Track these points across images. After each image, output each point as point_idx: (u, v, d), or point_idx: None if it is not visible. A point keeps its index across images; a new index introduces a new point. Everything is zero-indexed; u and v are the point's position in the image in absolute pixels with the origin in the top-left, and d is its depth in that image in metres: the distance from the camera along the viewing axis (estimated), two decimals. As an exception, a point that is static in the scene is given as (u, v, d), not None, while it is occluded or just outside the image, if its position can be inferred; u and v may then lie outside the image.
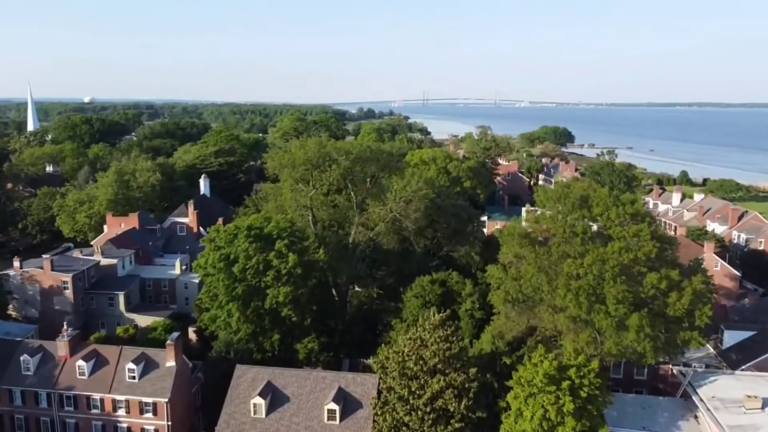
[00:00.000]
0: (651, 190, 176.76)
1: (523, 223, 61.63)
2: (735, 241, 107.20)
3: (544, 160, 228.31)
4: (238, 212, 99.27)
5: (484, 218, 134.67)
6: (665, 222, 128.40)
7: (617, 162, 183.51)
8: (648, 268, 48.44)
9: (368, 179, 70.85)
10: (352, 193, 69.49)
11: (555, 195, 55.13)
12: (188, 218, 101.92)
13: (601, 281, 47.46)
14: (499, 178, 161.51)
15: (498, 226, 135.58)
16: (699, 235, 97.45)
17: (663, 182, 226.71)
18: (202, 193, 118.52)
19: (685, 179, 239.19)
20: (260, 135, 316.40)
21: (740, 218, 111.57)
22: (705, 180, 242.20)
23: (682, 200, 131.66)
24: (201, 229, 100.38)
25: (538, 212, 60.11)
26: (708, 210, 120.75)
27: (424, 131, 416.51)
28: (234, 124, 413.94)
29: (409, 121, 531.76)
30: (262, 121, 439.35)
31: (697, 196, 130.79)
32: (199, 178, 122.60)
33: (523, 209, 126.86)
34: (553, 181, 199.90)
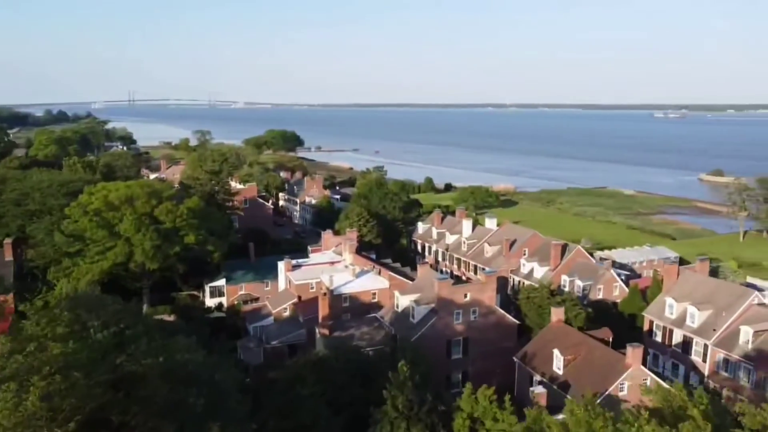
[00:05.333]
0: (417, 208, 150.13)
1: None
2: (566, 289, 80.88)
3: (282, 174, 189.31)
4: None
5: (221, 282, 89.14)
6: (463, 261, 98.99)
7: (389, 179, 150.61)
8: None
9: None
10: None
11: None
12: None
13: None
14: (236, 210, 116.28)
15: (243, 291, 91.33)
16: (558, 301, 66.32)
17: (409, 190, 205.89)
18: None
19: (430, 186, 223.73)
20: None
21: (562, 254, 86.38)
22: (448, 185, 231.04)
23: (474, 228, 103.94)
24: None
25: None
26: (513, 242, 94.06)
27: (128, 139, 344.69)
28: None
29: (110, 125, 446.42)
30: None
31: (489, 222, 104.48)
32: None
33: (281, 264, 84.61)
34: (298, 201, 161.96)
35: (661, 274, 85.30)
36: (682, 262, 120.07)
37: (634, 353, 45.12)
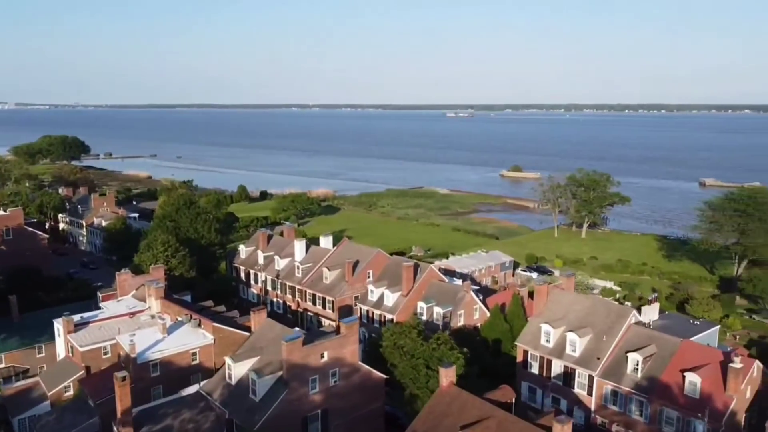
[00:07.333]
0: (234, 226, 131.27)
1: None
2: (424, 317, 70.33)
3: (62, 191, 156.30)
4: None
5: (-31, 356, 63.69)
6: (298, 290, 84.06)
7: (198, 190, 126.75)
8: None
9: None
10: None
11: None
12: None
13: None
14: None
15: (3, 364, 66.31)
16: (433, 346, 53.99)
17: (222, 202, 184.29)
18: None
19: (244, 195, 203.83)
20: None
21: (414, 276, 75.83)
22: (264, 193, 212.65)
23: (308, 249, 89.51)
24: None
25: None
26: (356, 264, 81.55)
27: None
28: None
29: None
30: None
31: (325, 240, 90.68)
32: None
33: (59, 324, 62.06)
34: (84, 223, 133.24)
35: (518, 290, 79.44)
36: (514, 264, 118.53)
37: (563, 430, 34.93)
